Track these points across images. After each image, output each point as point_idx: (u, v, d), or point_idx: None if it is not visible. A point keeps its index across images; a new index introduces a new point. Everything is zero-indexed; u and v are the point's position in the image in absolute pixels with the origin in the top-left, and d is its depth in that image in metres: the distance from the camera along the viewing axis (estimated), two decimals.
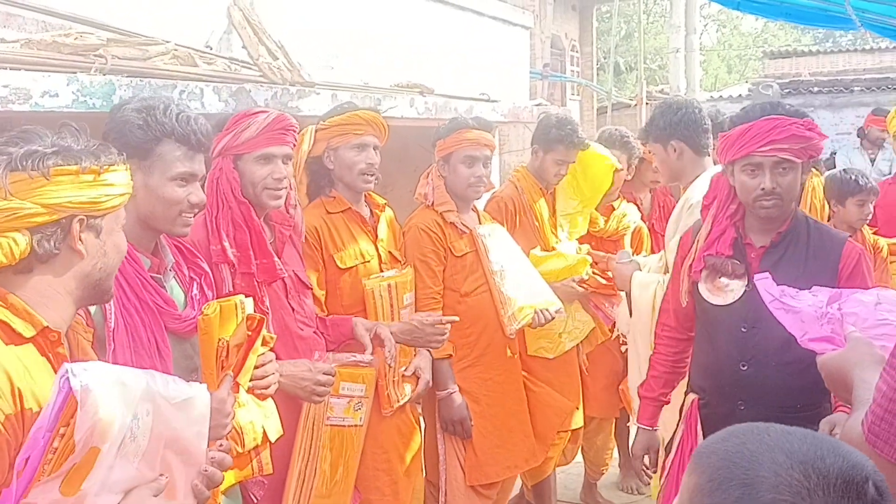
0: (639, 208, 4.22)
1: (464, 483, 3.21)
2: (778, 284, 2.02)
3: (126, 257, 1.84)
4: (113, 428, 1.29)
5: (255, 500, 2.26)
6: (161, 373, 1.50)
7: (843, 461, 0.91)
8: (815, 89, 11.42)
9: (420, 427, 3.21)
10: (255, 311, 1.90)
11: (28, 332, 1.39)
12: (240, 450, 1.96)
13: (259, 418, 1.99)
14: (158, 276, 1.91)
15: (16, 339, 1.38)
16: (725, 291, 2.42)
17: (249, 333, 1.87)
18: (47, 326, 1.42)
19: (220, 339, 1.79)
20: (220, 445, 1.52)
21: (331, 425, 2.65)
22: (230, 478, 1.99)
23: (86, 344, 1.59)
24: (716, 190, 2.53)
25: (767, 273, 1.84)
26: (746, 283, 2.37)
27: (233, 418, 1.84)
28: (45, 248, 1.42)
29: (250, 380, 1.90)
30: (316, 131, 2.86)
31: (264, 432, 2.01)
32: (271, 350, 2.13)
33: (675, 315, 2.64)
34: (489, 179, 3.33)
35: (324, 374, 2.42)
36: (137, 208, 1.88)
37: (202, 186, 2.10)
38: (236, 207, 2.38)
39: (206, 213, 2.36)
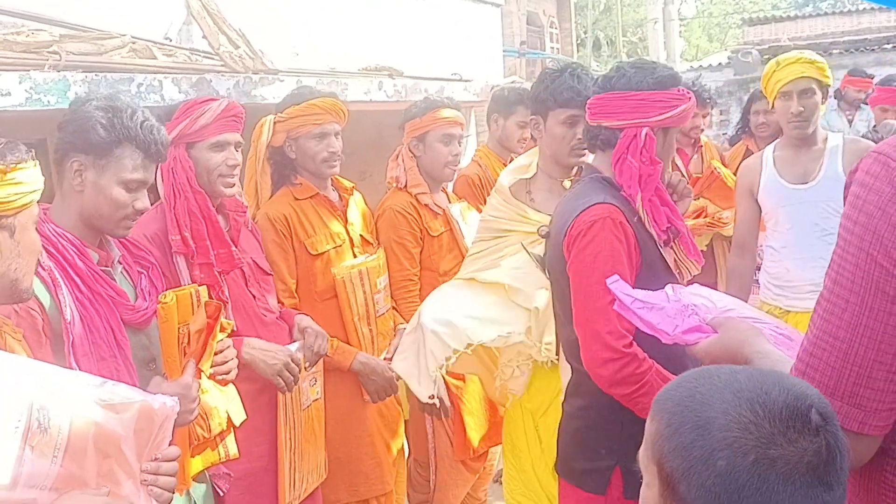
0: None
1: (453, 459, 3.22)
2: None
3: (76, 251, 1.85)
4: None
5: (222, 493, 2.26)
6: (92, 374, 1.50)
7: (788, 393, 0.96)
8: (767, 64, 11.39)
9: (403, 410, 3.21)
10: (211, 299, 1.91)
11: None
12: (206, 435, 1.98)
13: (223, 403, 2.00)
14: (107, 268, 1.91)
15: None
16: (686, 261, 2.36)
17: (209, 321, 1.89)
18: None
19: (180, 326, 1.80)
20: (156, 457, 1.50)
21: (304, 409, 2.68)
22: (198, 464, 2.01)
23: (14, 343, 1.57)
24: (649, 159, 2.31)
25: (617, 276, 1.68)
26: None
27: (198, 404, 1.85)
28: None
29: (211, 366, 1.91)
30: (274, 123, 2.83)
31: (228, 417, 2.01)
32: (232, 335, 2.14)
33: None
34: (460, 158, 3.33)
35: (292, 360, 2.46)
36: (83, 204, 1.89)
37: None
38: (192, 197, 2.37)
39: (165, 202, 2.35)
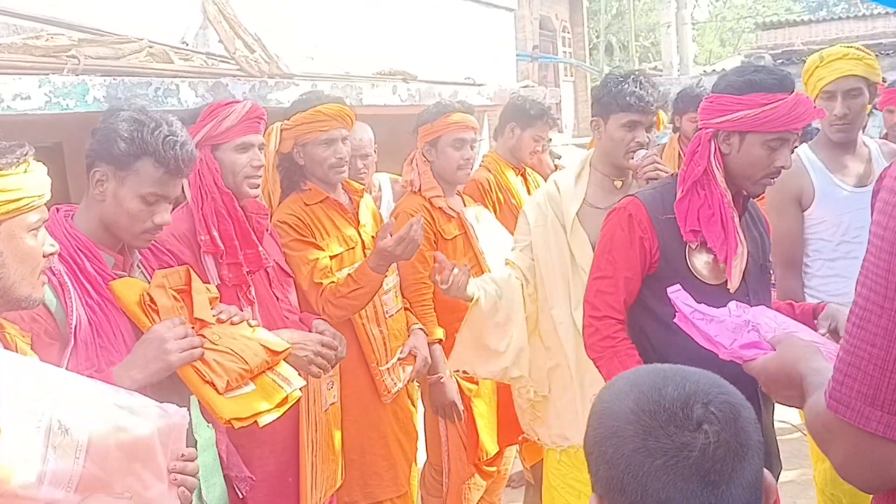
0: None
1: (466, 462, 3.22)
2: (751, 252, 2.01)
3: (88, 255, 1.85)
4: (11, 404, 1.29)
5: (241, 495, 2.27)
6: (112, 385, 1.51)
7: (681, 390, 0.99)
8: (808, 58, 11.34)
9: (417, 412, 3.22)
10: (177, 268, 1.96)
11: None
12: (245, 368, 1.87)
13: (254, 340, 1.95)
14: (123, 273, 1.92)
15: None
16: (717, 269, 2.32)
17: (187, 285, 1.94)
18: None
19: (141, 293, 1.82)
20: (182, 455, 1.50)
21: (324, 412, 2.69)
22: (264, 406, 1.87)
23: (24, 347, 1.57)
24: (700, 163, 2.36)
25: (679, 286, 1.80)
26: None
27: (198, 346, 1.80)
28: None
29: (216, 316, 1.93)
30: (281, 130, 2.84)
31: (268, 349, 1.95)
32: None
33: (618, 307, 2.42)
34: (474, 161, 3.34)
35: (324, 346, 2.45)
36: (103, 213, 1.91)
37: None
38: (219, 198, 2.40)
39: (192, 204, 2.37)
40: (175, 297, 1.91)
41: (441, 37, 5.55)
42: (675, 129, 4.47)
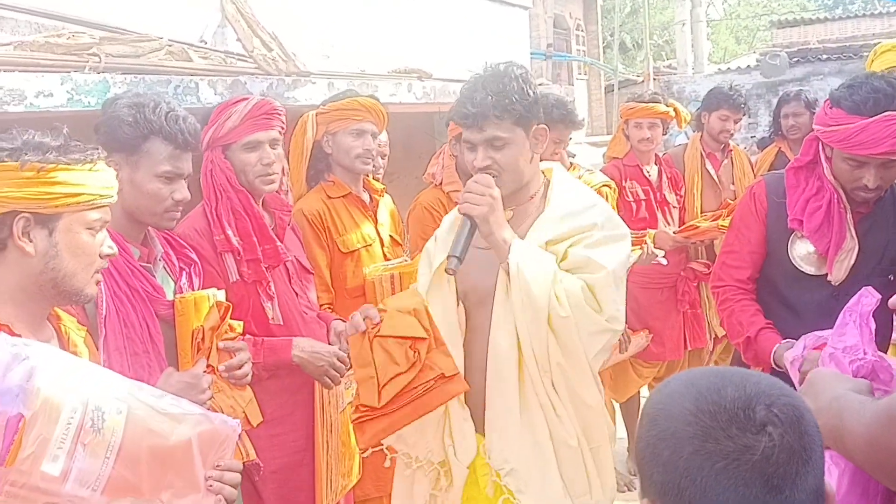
0: (646, 179, 4.19)
1: None
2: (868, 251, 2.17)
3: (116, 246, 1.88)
4: (43, 398, 1.30)
5: (253, 483, 2.30)
6: (153, 387, 1.52)
7: (742, 391, 0.94)
8: (824, 56, 11.27)
9: None
10: (222, 302, 1.98)
11: None
12: None
13: (239, 404, 2.02)
14: (148, 265, 1.95)
15: None
16: (818, 261, 2.38)
17: (221, 321, 1.95)
18: None
19: (195, 326, 1.87)
20: (219, 465, 1.51)
21: (340, 413, 2.71)
22: None
23: (77, 339, 1.60)
24: (807, 153, 2.46)
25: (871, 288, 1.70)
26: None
27: (210, 397, 1.87)
28: None
29: (225, 370, 1.95)
30: (316, 115, 2.88)
31: (246, 418, 2.03)
32: (276, 332, 2.16)
33: (741, 279, 2.54)
34: None
35: (339, 360, 2.49)
36: (124, 202, 1.93)
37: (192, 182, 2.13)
38: (234, 196, 2.42)
39: (205, 204, 2.40)
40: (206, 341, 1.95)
41: (456, 35, 5.56)
42: (700, 127, 4.43)
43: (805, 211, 2.36)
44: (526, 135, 2.04)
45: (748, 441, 0.90)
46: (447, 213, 3.14)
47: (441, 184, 3.24)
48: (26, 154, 1.42)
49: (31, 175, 1.42)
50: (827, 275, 2.34)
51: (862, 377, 1.44)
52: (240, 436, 2.01)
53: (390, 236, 3.08)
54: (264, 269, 2.46)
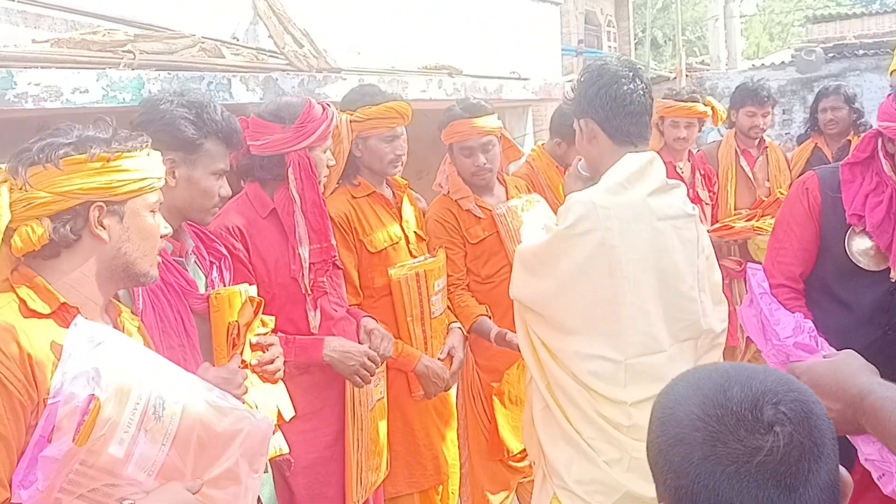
0: (678, 176, 4.12)
1: (487, 458, 3.23)
2: None
3: None
4: (115, 382, 1.35)
5: (284, 477, 2.31)
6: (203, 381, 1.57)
7: (748, 391, 0.93)
8: (861, 52, 11.07)
9: (454, 406, 3.24)
10: (254, 297, 1.99)
11: (45, 308, 1.45)
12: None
13: (272, 399, 2.04)
14: (181, 259, 1.97)
15: (35, 314, 1.44)
16: (878, 256, 2.35)
17: (254, 317, 1.96)
18: (65, 303, 1.47)
19: (230, 321, 1.89)
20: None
21: (370, 410, 2.72)
22: None
23: (132, 329, 1.64)
24: (865, 150, 2.44)
25: (760, 265, 1.90)
26: None
27: (244, 392, 1.88)
28: (62, 234, 1.46)
29: (258, 365, 1.97)
30: (350, 122, 2.85)
31: (279, 412, 2.05)
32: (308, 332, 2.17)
33: (793, 276, 2.51)
34: (497, 161, 3.21)
35: (369, 359, 2.50)
36: (174, 198, 1.95)
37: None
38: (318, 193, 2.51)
39: (300, 203, 2.44)
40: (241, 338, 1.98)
41: (487, 31, 5.54)
42: (732, 125, 4.38)
43: (865, 206, 2.33)
44: None
45: (757, 442, 0.89)
46: (458, 222, 3.12)
47: (449, 193, 3.18)
48: (91, 146, 1.46)
49: (99, 165, 1.47)
50: (884, 271, 2.31)
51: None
52: (273, 431, 2.04)
53: (415, 232, 3.06)
54: (330, 260, 2.53)
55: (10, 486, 1.33)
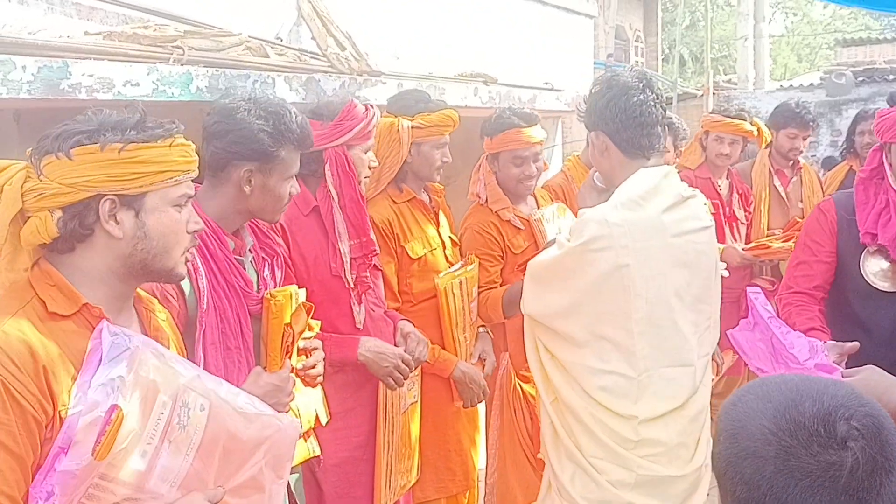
0: (716, 192, 4.11)
1: (518, 462, 3.23)
2: None
3: (216, 239, 1.87)
4: (138, 391, 1.30)
5: (314, 473, 2.33)
6: (233, 385, 1.54)
7: (820, 406, 0.93)
8: (891, 77, 11.01)
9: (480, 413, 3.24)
10: (304, 301, 1.98)
11: (67, 310, 1.38)
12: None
13: (312, 403, 2.05)
14: (241, 257, 1.96)
15: (55, 316, 1.37)
16: (894, 276, 2.35)
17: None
18: (87, 303, 1.40)
19: (286, 325, 1.86)
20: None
21: (403, 414, 2.73)
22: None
23: (160, 322, 1.58)
24: (871, 162, 2.45)
25: (759, 288, 1.97)
26: None
27: (292, 399, 1.89)
28: (70, 228, 1.38)
29: (301, 368, 1.98)
30: (411, 128, 2.86)
31: (317, 416, 2.06)
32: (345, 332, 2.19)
33: (810, 286, 2.54)
34: (542, 169, 3.23)
35: (403, 361, 2.52)
36: (249, 204, 1.95)
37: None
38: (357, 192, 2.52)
39: (338, 199, 2.45)
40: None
41: (522, 41, 5.56)
42: (768, 144, 4.36)
43: (878, 224, 2.33)
44: None
45: (831, 458, 0.90)
46: (499, 233, 3.11)
47: (487, 202, 3.17)
48: (105, 135, 1.38)
49: (112, 156, 1.38)
50: None
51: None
52: (307, 433, 2.04)
53: (449, 237, 3.09)
54: (371, 255, 2.55)
55: (26, 503, 1.26)
